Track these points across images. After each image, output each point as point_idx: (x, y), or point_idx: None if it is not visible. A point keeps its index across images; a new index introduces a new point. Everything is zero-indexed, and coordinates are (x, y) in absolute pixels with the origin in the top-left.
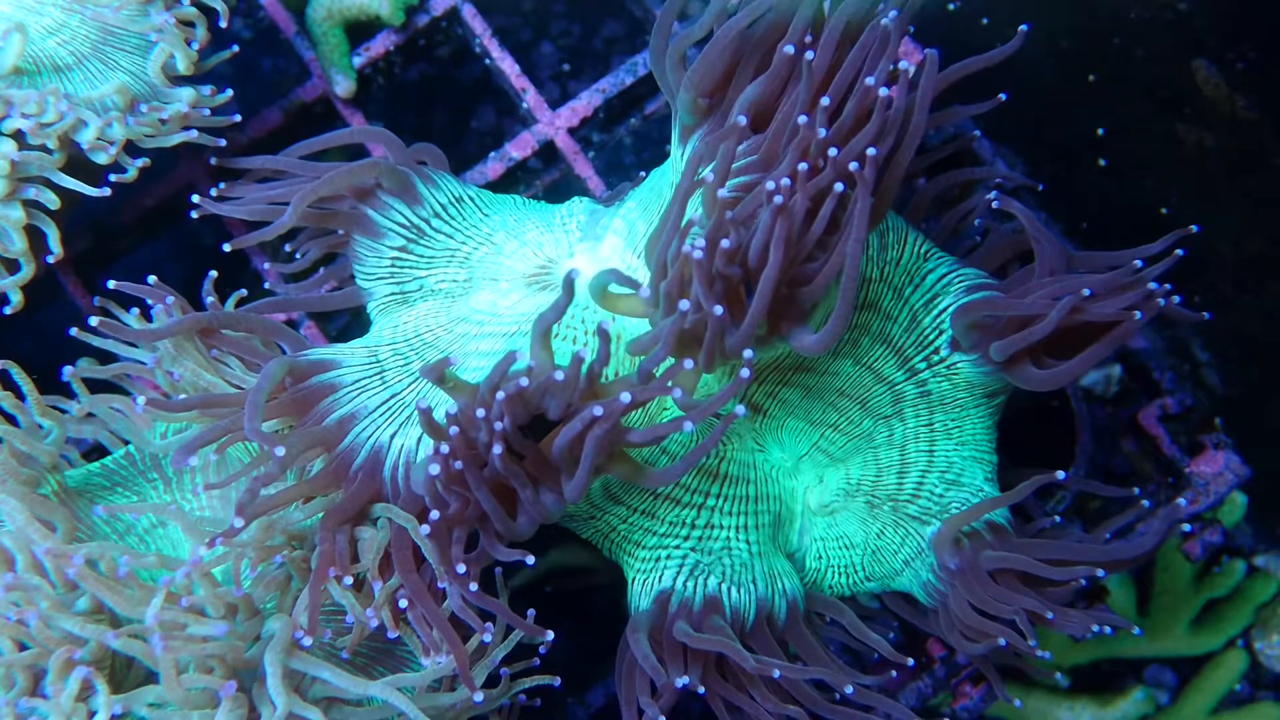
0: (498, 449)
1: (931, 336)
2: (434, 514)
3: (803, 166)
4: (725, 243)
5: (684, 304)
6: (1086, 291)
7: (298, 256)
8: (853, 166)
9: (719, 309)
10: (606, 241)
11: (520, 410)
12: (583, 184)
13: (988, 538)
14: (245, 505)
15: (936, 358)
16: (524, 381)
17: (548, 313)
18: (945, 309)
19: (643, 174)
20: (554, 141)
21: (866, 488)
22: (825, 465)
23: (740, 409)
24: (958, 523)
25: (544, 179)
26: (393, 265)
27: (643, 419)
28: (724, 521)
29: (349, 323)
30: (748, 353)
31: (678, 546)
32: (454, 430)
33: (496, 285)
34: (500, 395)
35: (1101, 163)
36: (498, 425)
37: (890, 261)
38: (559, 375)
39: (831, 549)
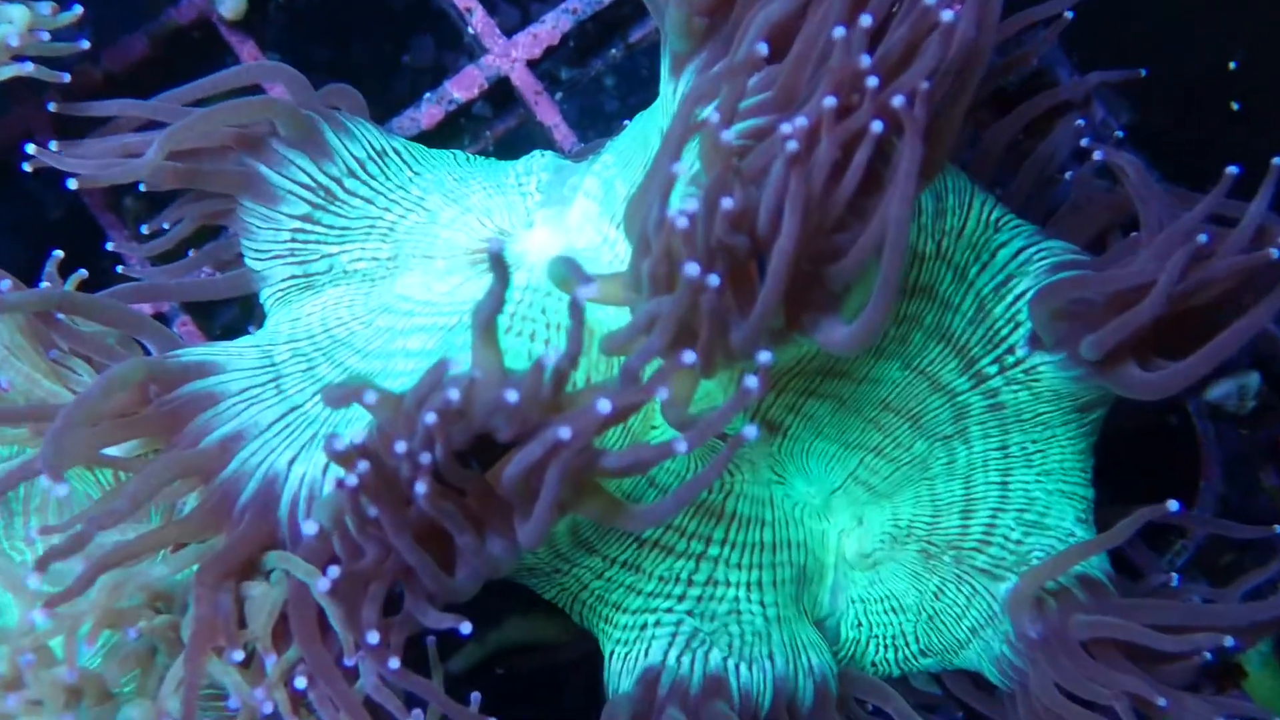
0: (421, 486)
1: (1004, 331)
2: (333, 570)
3: (829, 102)
4: (727, 202)
5: (693, 272)
6: (1203, 238)
7: (166, 228)
8: (897, 102)
9: (717, 289)
10: (576, 207)
11: (459, 433)
12: (547, 135)
13: (1080, 597)
14: (87, 554)
15: (1011, 359)
16: (453, 396)
17: (484, 303)
18: (1022, 294)
19: (626, 122)
20: (509, 78)
21: (920, 532)
22: (865, 502)
23: (751, 428)
24: (1041, 577)
25: (496, 129)
26: (294, 240)
27: (623, 439)
28: (731, 577)
29: (236, 316)
30: (762, 354)
31: (670, 610)
32: (363, 465)
33: (430, 264)
34: (429, 416)
35: (1234, 106)
36: (423, 457)
37: (949, 232)
38: (510, 390)
39: (875, 613)
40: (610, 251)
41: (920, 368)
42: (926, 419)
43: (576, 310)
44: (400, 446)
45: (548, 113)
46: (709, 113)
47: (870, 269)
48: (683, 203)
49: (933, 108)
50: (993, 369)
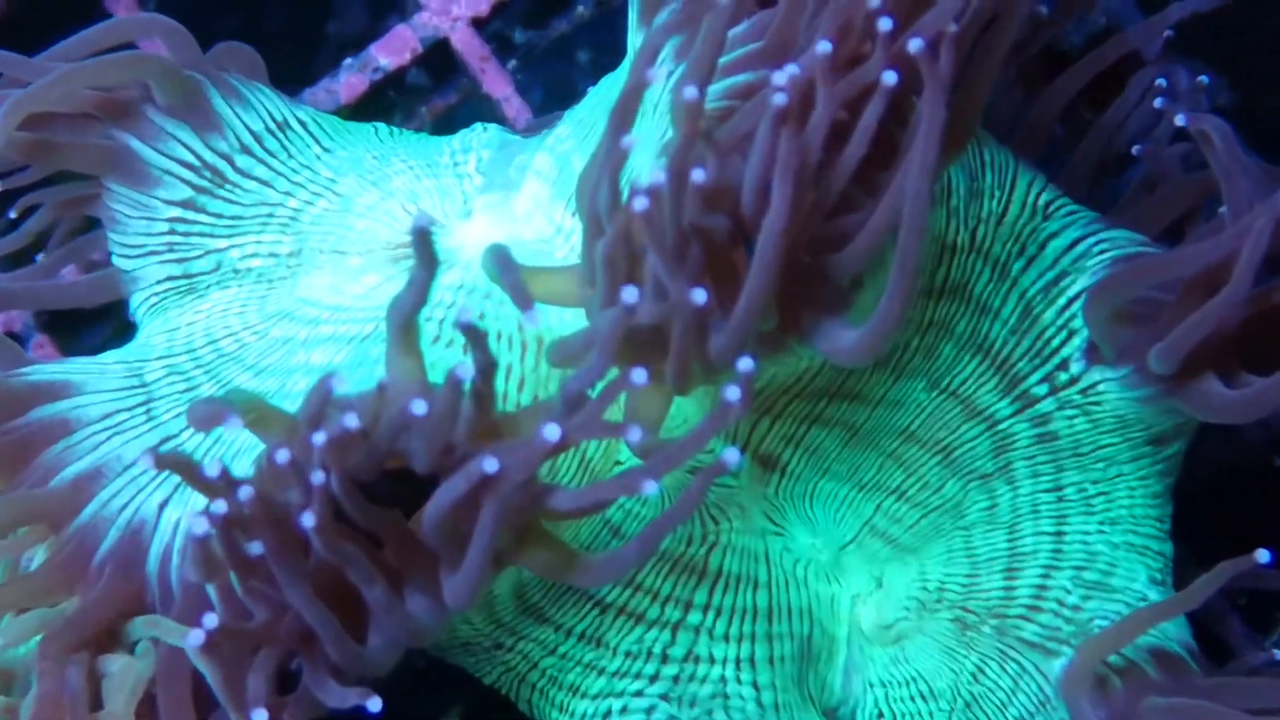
0: (310, 518)
1: (1056, 341)
2: (210, 619)
3: (826, 48)
4: (698, 174)
5: (656, 264)
6: None
7: (14, 218)
8: (915, 47)
9: (694, 289)
10: (524, 191)
11: (364, 459)
12: (496, 112)
13: (1153, 675)
14: None
15: (1064, 376)
16: (349, 423)
17: (404, 295)
18: (1078, 296)
19: (591, 88)
20: (449, 41)
21: (954, 596)
22: (885, 559)
23: (732, 452)
24: (1103, 650)
25: (433, 104)
26: (172, 232)
27: (578, 473)
28: (716, 651)
29: (109, 338)
30: (743, 360)
31: (640, 694)
32: (245, 493)
33: (342, 261)
34: (320, 436)
35: None
36: (315, 477)
37: (987, 218)
38: (418, 402)
39: (899, 700)
40: (566, 244)
41: (951, 388)
42: (960, 453)
43: (471, 331)
44: (282, 455)
45: (497, 84)
46: (671, 64)
47: (884, 258)
48: (645, 177)
49: (962, 56)
50: (1042, 389)
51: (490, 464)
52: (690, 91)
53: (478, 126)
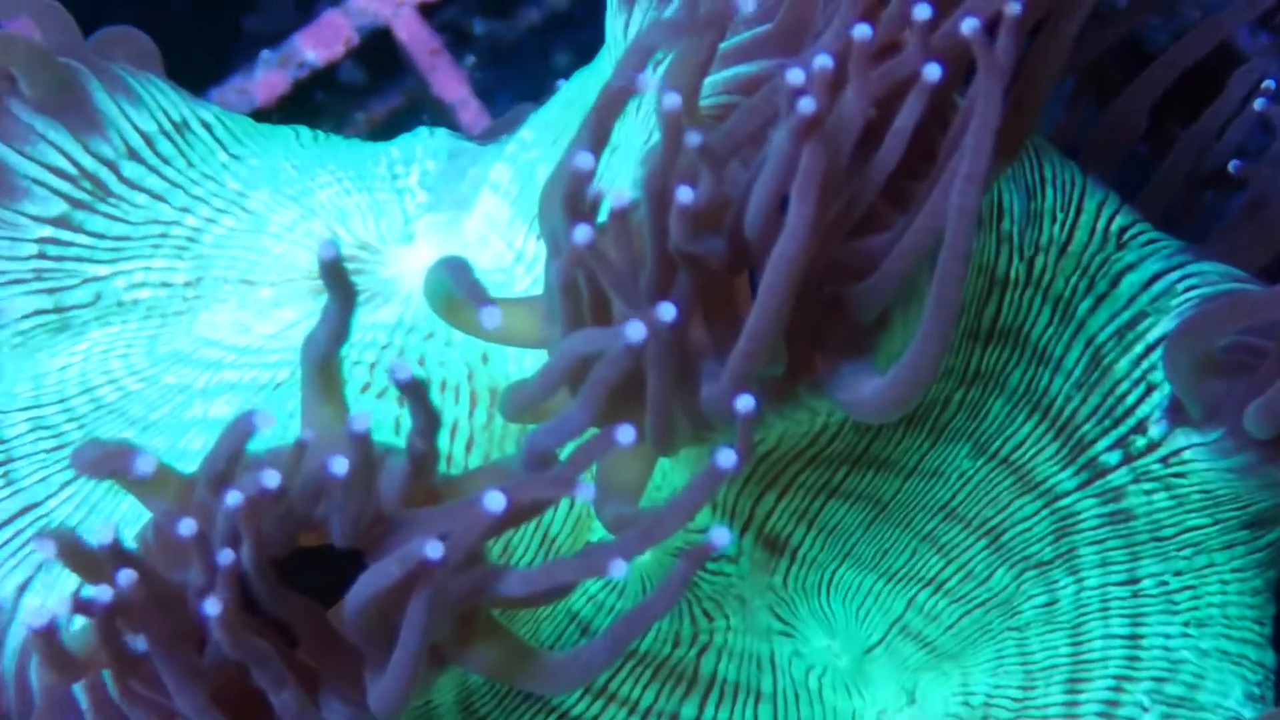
0: (214, 605)
1: (1131, 399)
2: None
3: (862, 32)
4: (685, 194)
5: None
6: None
7: None
8: (969, 28)
9: (674, 321)
10: (479, 208)
11: (277, 529)
12: (448, 117)
13: None
14: None
15: (1141, 441)
16: (267, 482)
17: (316, 332)
18: (1158, 343)
19: (562, 83)
20: (391, 30)
21: (1003, 714)
22: (919, 666)
23: (721, 532)
24: None
25: (372, 110)
26: (42, 255)
27: (540, 554)
28: None
29: None
30: (742, 400)
31: None
32: (126, 575)
33: (251, 293)
34: (231, 499)
35: None
36: (221, 557)
37: (1047, 246)
38: (339, 460)
39: None
40: (527, 274)
41: (1002, 455)
42: (1012, 536)
43: (409, 385)
44: (185, 527)
45: (450, 84)
46: (664, 65)
47: (918, 290)
48: (611, 198)
49: (1022, 43)
50: (1113, 457)
51: (433, 547)
52: (671, 99)
53: (422, 131)
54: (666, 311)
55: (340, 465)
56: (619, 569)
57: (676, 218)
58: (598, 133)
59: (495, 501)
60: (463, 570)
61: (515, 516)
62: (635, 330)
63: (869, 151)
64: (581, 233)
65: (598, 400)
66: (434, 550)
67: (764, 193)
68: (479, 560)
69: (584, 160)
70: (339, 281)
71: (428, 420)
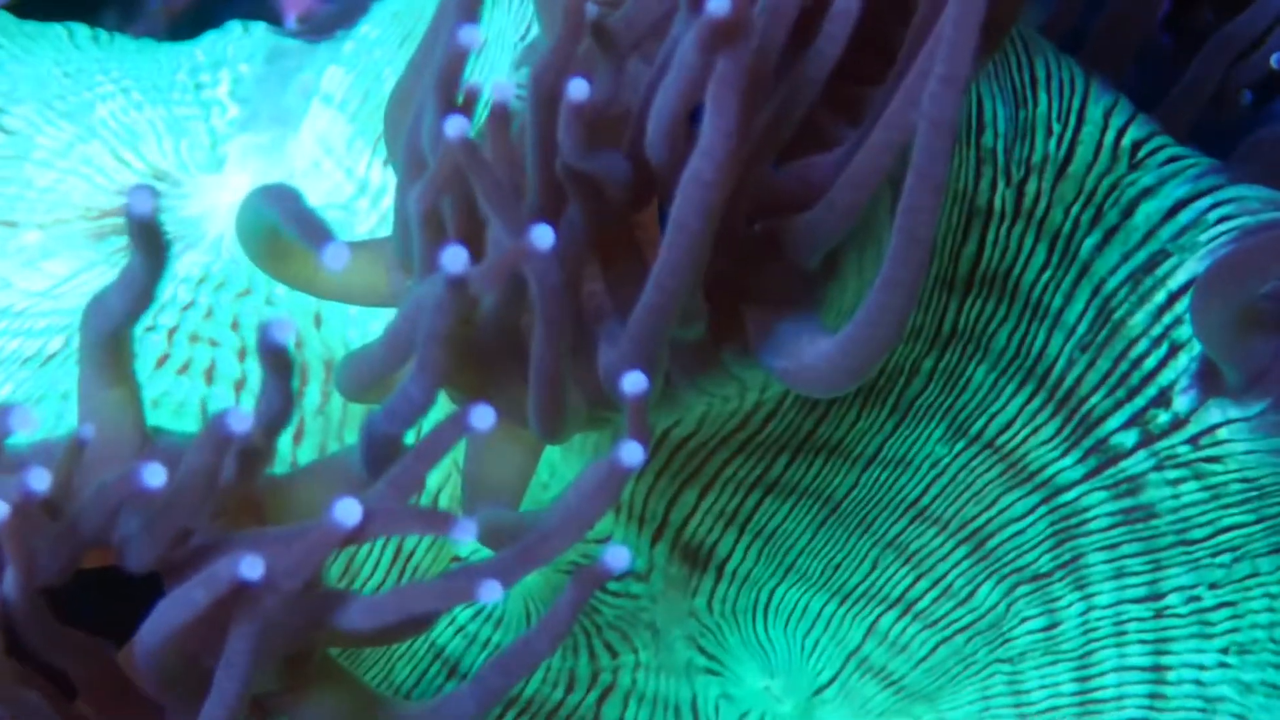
0: None
1: (1151, 360)
2: None
3: None
4: (578, 89)
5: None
6: None
7: None
8: None
9: (544, 242)
10: (309, 126)
11: (51, 552)
12: (270, 4)
13: None
14: None
15: (1164, 416)
16: (35, 484)
17: (110, 299)
18: (1184, 289)
19: None
20: None
21: None
22: (884, 711)
23: (618, 552)
24: None
25: None
26: None
27: (389, 569)
28: None
29: None
30: (631, 385)
31: None
32: None
33: (12, 239)
34: None
35: None
36: None
37: (1041, 166)
38: (152, 468)
39: None
40: (374, 210)
41: (986, 437)
42: (1001, 540)
43: (274, 355)
44: None
45: None
46: None
47: (875, 225)
48: (499, 90)
49: None
50: (1128, 437)
51: (249, 564)
52: None
53: (234, 26)
54: (542, 237)
55: (155, 475)
56: (492, 593)
57: (568, 121)
58: (465, 16)
59: (348, 513)
60: (294, 598)
61: (361, 536)
62: (454, 259)
63: (805, 43)
64: (455, 125)
65: (433, 365)
66: (251, 569)
67: (669, 100)
68: (314, 585)
69: (467, 35)
70: (151, 241)
71: (281, 406)
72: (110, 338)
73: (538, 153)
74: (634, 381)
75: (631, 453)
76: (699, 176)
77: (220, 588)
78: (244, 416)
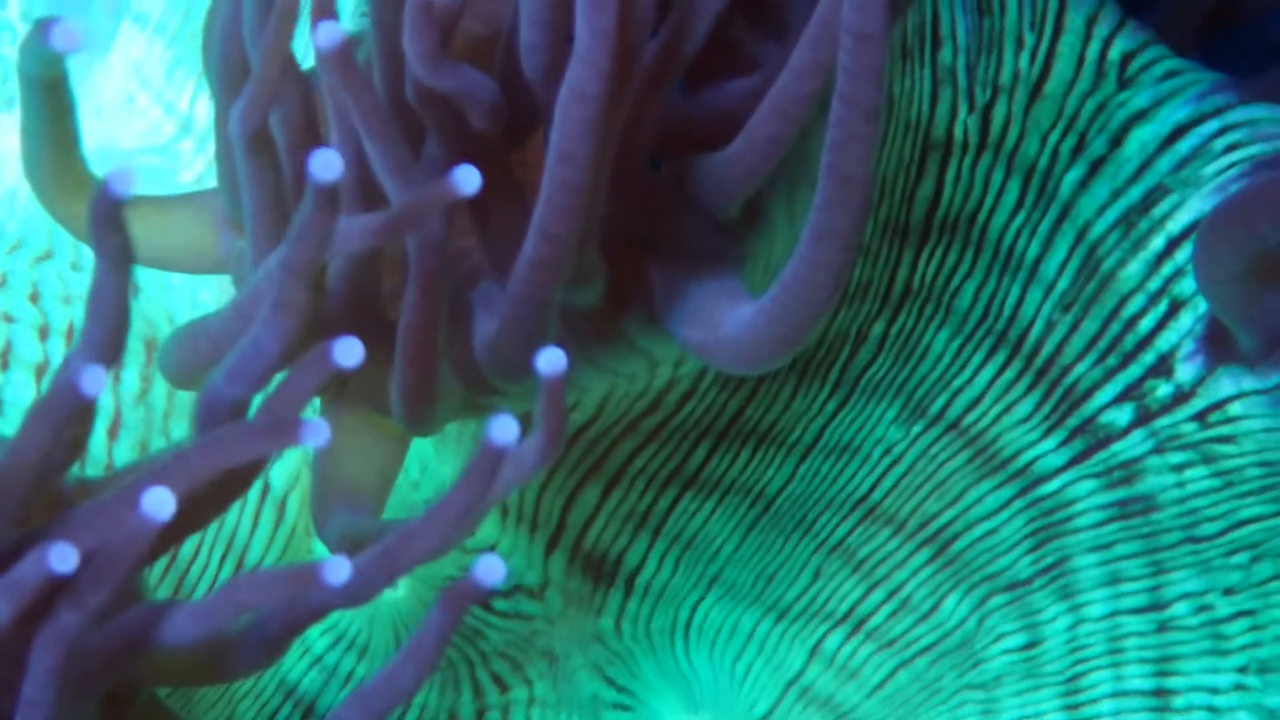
0: None
1: (1147, 321)
2: None
3: None
4: None
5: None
6: None
7: None
8: None
9: (420, 201)
10: (120, 51)
11: None
12: None
13: None
14: None
15: (1165, 388)
16: None
17: None
18: (1186, 233)
19: None
20: None
21: None
22: None
23: (491, 565)
24: None
25: None
26: None
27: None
28: None
29: None
30: (546, 360)
31: None
32: None
33: None
34: None
35: None
36: None
37: (1010, 86)
38: None
39: None
40: (200, 154)
41: (950, 417)
42: (969, 541)
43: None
44: None
45: None
46: None
47: (806, 162)
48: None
49: None
50: (1121, 414)
51: (60, 555)
52: None
53: None
54: (468, 179)
55: None
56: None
57: (415, 25)
58: None
59: (158, 503)
60: (109, 614)
61: (191, 520)
62: (326, 165)
63: None
64: (326, 35)
65: (290, 305)
66: (62, 560)
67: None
68: (133, 596)
69: None
70: None
71: (117, 324)
72: None
73: (382, 66)
74: (551, 360)
75: (504, 429)
76: (579, 89)
77: (23, 594)
78: (98, 374)
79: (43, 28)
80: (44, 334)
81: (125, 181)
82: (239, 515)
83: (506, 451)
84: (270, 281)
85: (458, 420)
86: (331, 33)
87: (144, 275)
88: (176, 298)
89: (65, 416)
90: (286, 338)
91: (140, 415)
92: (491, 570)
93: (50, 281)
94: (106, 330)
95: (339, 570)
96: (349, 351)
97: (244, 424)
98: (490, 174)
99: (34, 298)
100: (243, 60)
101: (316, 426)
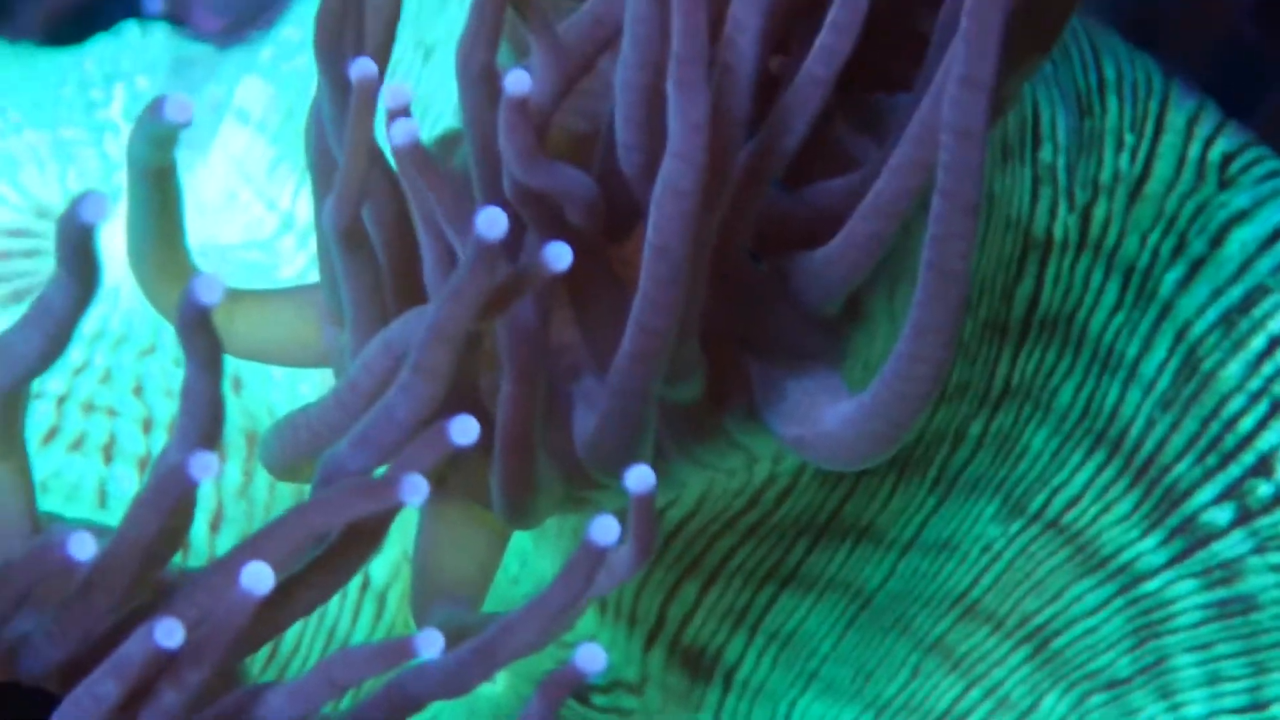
0: None
1: (1247, 422)
2: None
3: None
4: (517, 81)
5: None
6: None
7: None
8: None
9: (516, 320)
10: (222, 148)
11: None
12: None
13: None
14: None
15: (1267, 490)
16: None
17: (11, 334)
18: None
19: None
20: None
21: None
22: None
23: (592, 654)
24: None
25: None
26: None
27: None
28: None
29: None
30: (636, 481)
31: None
32: None
33: None
34: None
35: None
36: None
37: (1110, 186)
38: (81, 537)
39: None
40: (301, 250)
41: (1049, 515)
42: (1068, 640)
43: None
44: None
45: None
46: None
47: (908, 260)
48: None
49: None
50: (1222, 514)
51: (165, 630)
52: None
53: (130, 29)
54: (559, 256)
55: (84, 546)
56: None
57: (510, 123)
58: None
59: (256, 578)
60: (208, 694)
61: (293, 605)
62: (492, 222)
63: (806, 41)
64: (400, 132)
65: (434, 365)
66: (168, 636)
67: (633, 87)
68: (233, 679)
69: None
70: (83, 261)
71: (211, 412)
72: (3, 393)
73: (479, 165)
74: (639, 478)
75: (604, 529)
76: (672, 183)
77: (134, 673)
78: (206, 460)
79: (154, 105)
80: (147, 427)
81: (212, 289)
82: (339, 608)
83: (606, 552)
84: (412, 344)
85: (558, 514)
86: (406, 130)
87: (245, 369)
88: (278, 391)
89: (170, 503)
90: (424, 405)
91: (243, 509)
92: (593, 659)
93: (154, 375)
94: (201, 426)
95: (431, 644)
96: (465, 430)
97: (338, 487)
98: (590, 269)
99: (137, 391)
100: (333, 156)
101: (414, 483)
